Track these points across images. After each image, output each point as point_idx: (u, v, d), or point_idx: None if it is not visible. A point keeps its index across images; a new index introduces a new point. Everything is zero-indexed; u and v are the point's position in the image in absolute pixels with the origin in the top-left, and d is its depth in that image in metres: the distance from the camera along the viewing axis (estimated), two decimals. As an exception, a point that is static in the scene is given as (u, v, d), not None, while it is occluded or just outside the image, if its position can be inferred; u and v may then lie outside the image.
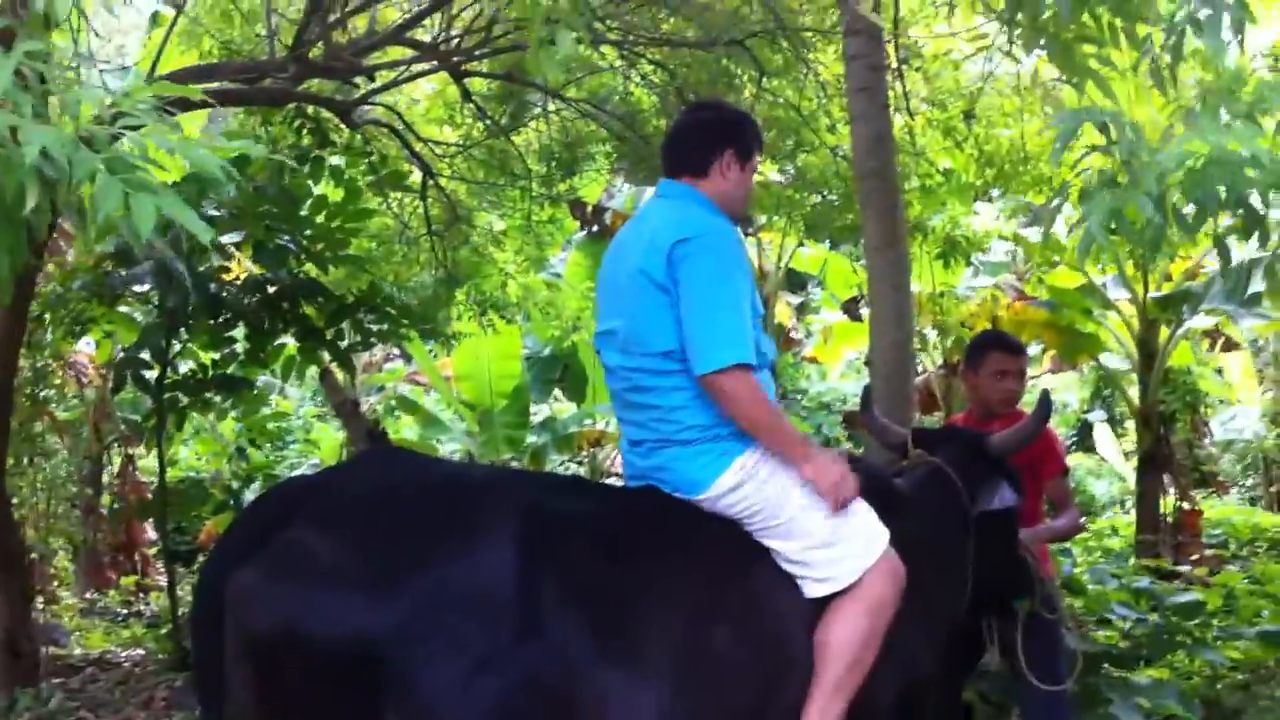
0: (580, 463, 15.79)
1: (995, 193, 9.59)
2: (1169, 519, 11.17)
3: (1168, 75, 3.57)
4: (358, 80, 7.40)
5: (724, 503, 3.02)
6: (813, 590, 3.00)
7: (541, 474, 9.85)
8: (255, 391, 7.49)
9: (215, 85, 6.36)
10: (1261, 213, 3.49)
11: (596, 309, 3.38)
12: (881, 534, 3.07)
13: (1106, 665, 4.96)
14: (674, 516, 3.04)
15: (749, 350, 2.97)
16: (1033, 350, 13.19)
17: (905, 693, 3.22)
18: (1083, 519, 5.24)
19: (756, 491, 3.00)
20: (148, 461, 12.83)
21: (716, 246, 3.03)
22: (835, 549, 3.00)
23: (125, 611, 10.44)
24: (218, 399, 7.16)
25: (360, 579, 2.45)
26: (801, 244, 12.38)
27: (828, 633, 2.94)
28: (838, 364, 17.52)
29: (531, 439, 13.96)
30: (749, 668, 2.87)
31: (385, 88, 7.80)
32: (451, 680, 2.42)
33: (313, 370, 7.33)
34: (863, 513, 3.11)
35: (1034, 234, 10.29)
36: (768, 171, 8.74)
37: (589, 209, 11.39)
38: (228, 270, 6.61)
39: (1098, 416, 18.19)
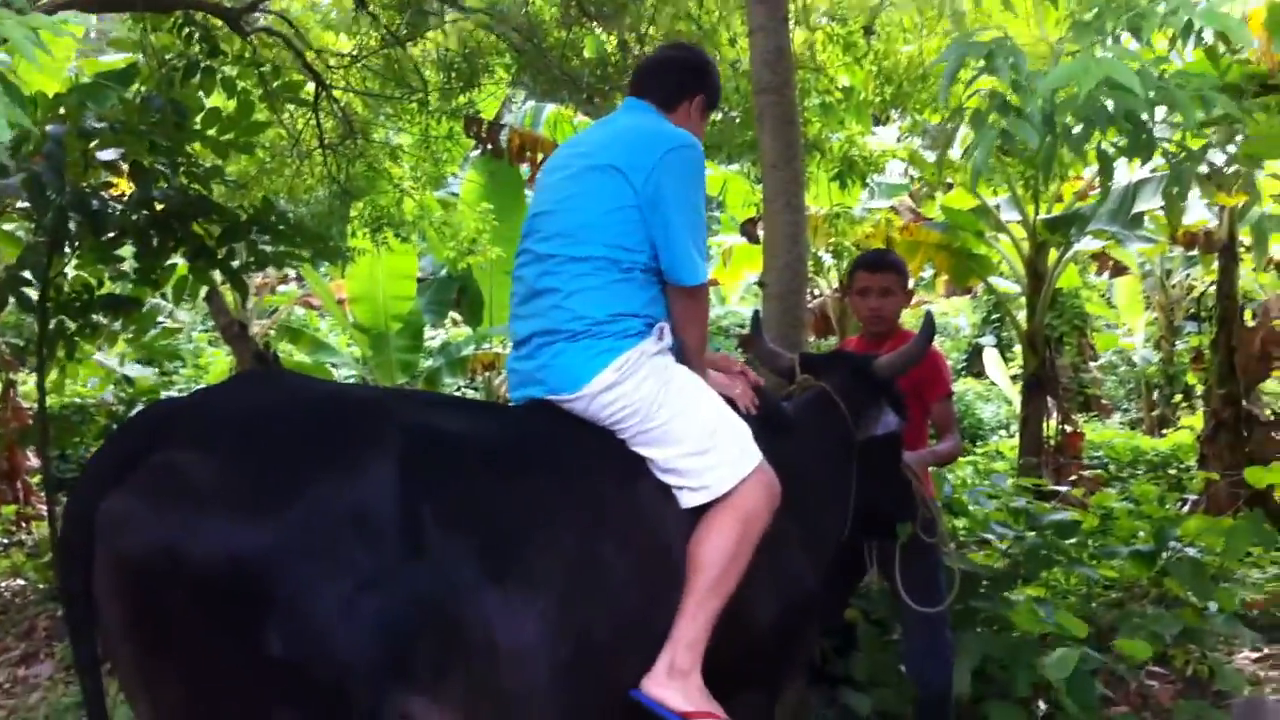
0: (475, 388, 15.71)
1: (894, 113, 9.62)
2: (1051, 442, 11.45)
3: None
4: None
5: (600, 401, 3.02)
6: (688, 500, 3.01)
7: (423, 392, 9.74)
8: (144, 311, 7.23)
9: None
10: (1149, 128, 3.53)
11: (533, 199, 3.43)
12: (754, 449, 3.09)
13: (985, 584, 5.05)
14: (556, 433, 3.03)
15: (707, 270, 3.23)
16: (926, 274, 13.38)
17: (788, 611, 3.25)
18: (963, 444, 5.31)
19: (633, 391, 3.02)
20: (29, 388, 12.49)
21: (699, 163, 3.23)
22: (708, 456, 3.01)
23: (6, 541, 10.20)
24: (105, 321, 6.92)
25: (238, 500, 2.37)
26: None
27: (698, 544, 2.95)
28: (736, 288, 17.61)
29: (426, 363, 13.83)
30: (634, 580, 2.87)
31: (275, -6, 7.54)
32: (334, 601, 2.37)
33: (202, 292, 7.13)
34: (736, 424, 3.12)
35: (931, 155, 10.36)
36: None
37: (485, 126, 11.16)
38: (111, 186, 6.35)
39: (988, 341, 18.57)
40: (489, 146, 11.30)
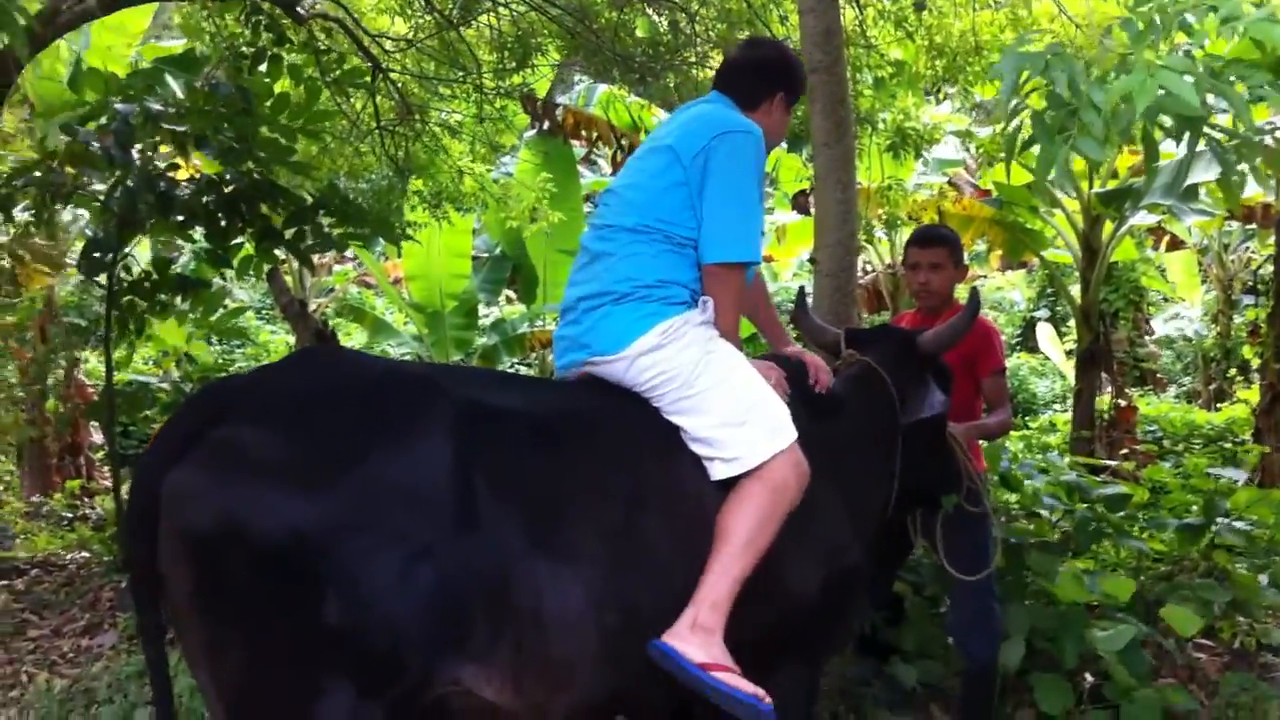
0: (530, 364, 15.83)
1: (948, 88, 9.60)
2: (1105, 416, 11.39)
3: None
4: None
5: (640, 364, 3.11)
6: (719, 471, 3.06)
7: (476, 369, 9.85)
8: (212, 291, 7.40)
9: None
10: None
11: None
12: (790, 428, 3.13)
13: (1032, 556, 5.09)
14: (603, 407, 3.11)
15: (758, 250, 3.31)
16: (979, 248, 13.33)
17: (831, 583, 3.29)
18: (1014, 419, 5.33)
19: (675, 356, 3.10)
20: (93, 365, 12.76)
21: (754, 148, 3.28)
22: (743, 429, 3.06)
23: (71, 515, 10.43)
24: (176, 300, 7.09)
25: (296, 473, 2.46)
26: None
27: (727, 512, 3.00)
28: (790, 264, 17.61)
29: (481, 340, 13.97)
30: (677, 551, 2.94)
31: (332, -19, 7.66)
32: (390, 571, 2.46)
33: (263, 271, 7.28)
34: (773, 401, 3.18)
35: (983, 130, 10.32)
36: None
37: (540, 104, 11.25)
38: (177, 169, 6.51)
39: (1042, 315, 18.43)
40: (545, 124, 11.39)
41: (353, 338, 15.61)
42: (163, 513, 2.50)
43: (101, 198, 6.24)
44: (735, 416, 3.08)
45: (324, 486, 2.47)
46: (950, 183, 11.90)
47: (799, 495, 3.09)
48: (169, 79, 6.90)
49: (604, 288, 3.21)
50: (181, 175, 6.39)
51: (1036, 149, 3.32)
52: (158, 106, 5.94)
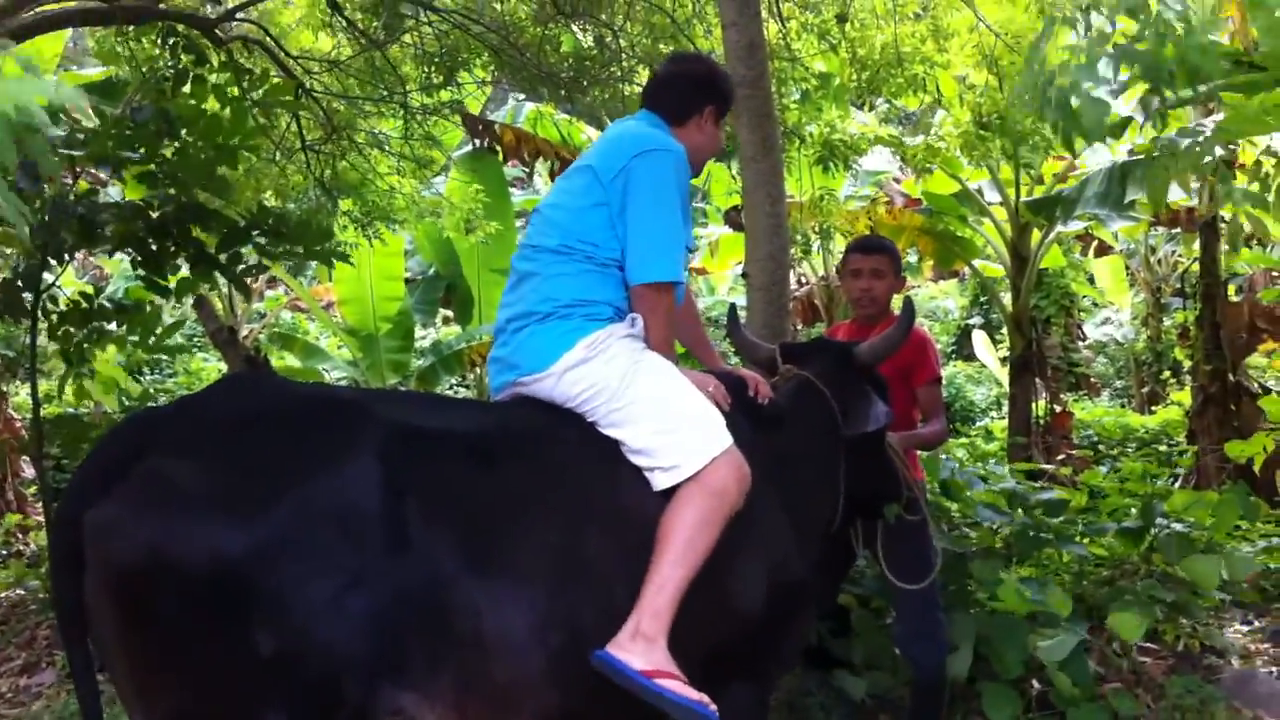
0: (467, 385, 15.73)
1: (875, 100, 9.66)
2: (1040, 421, 11.50)
3: None
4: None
5: (569, 378, 3.09)
6: (660, 481, 3.02)
7: (405, 392, 9.77)
8: (149, 312, 7.23)
9: (73, 4, 6.10)
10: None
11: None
12: (725, 432, 3.11)
13: (973, 564, 5.10)
14: (536, 424, 3.08)
15: (681, 270, 3.29)
16: (911, 258, 13.43)
17: (777, 598, 3.26)
18: (949, 429, 5.34)
19: (601, 369, 3.08)
20: (22, 398, 12.49)
21: (675, 167, 3.27)
22: (678, 434, 3.03)
23: (4, 551, 10.20)
24: (110, 327, 6.94)
25: (223, 502, 2.41)
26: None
27: (667, 518, 2.96)
28: (725, 278, 17.66)
29: (418, 362, 13.85)
30: (619, 567, 2.89)
31: (252, 1, 7.55)
32: (322, 599, 2.41)
33: (191, 296, 7.13)
34: (706, 407, 3.16)
35: (913, 140, 10.40)
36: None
37: (476, 121, 11.16)
38: (96, 194, 6.35)
39: (976, 323, 18.61)
40: (483, 141, 11.32)
41: (285, 363, 15.40)
42: (87, 548, 2.43)
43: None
44: (668, 424, 3.05)
45: (251, 515, 2.41)
46: (881, 189, 11.97)
47: (740, 499, 3.05)
48: (83, 104, 6.74)
49: (528, 308, 3.21)
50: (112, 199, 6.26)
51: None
52: (60, 132, 5.80)
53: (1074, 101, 3.56)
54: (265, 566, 2.38)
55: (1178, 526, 5.50)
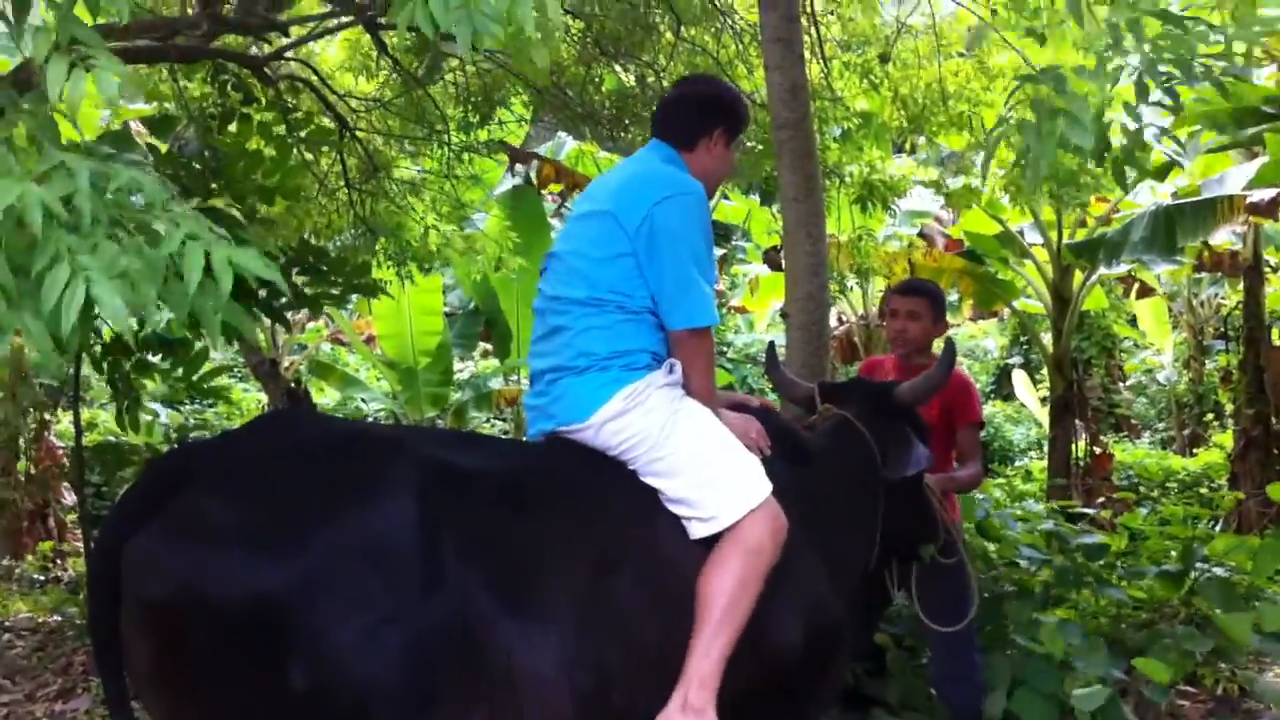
0: (504, 419, 15.78)
1: (918, 139, 9.67)
2: (1080, 463, 11.42)
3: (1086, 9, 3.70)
4: (272, 35, 7.26)
5: (609, 429, 3.08)
6: (697, 530, 3.04)
7: (441, 430, 9.80)
8: (195, 351, 7.33)
9: (127, 43, 6.20)
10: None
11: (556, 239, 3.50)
12: (764, 483, 3.11)
13: (1013, 605, 5.06)
14: (573, 467, 3.08)
15: (715, 313, 3.24)
16: (952, 298, 13.41)
17: (814, 640, 3.26)
18: (985, 472, 5.32)
19: (641, 419, 3.07)
20: (65, 426, 12.65)
21: (697, 207, 3.22)
22: (715, 487, 3.04)
23: (43, 578, 10.31)
24: (157, 360, 7.04)
25: (259, 538, 2.44)
26: (725, 195, 12.41)
27: (706, 578, 2.97)
28: (765, 315, 17.66)
29: (455, 396, 13.91)
30: (650, 613, 2.91)
31: (300, 41, 7.66)
32: (355, 636, 2.43)
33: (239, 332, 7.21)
34: (745, 456, 3.16)
35: (954, 181, 10.42)
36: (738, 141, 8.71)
37: (519, 152, 11.23)
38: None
39: (1016, 363, 18.49)
40: (529, 172, 11.37)
41: (325, 395, 15.52)
42: (124, 581, 2.47)
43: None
44: (707, 476, 3.05)
45: (286, 551, 2.44)
46: (921, 234, 11.97)
47: (777, 552, 3.05)
48: (137, 140, 6.87)
49: (564, 362, 3.17)
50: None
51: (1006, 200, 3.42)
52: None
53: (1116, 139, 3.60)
54: (299, 602, 2.40)
55: (1218, 571, 5.44)
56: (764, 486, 3.10)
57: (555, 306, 3.23)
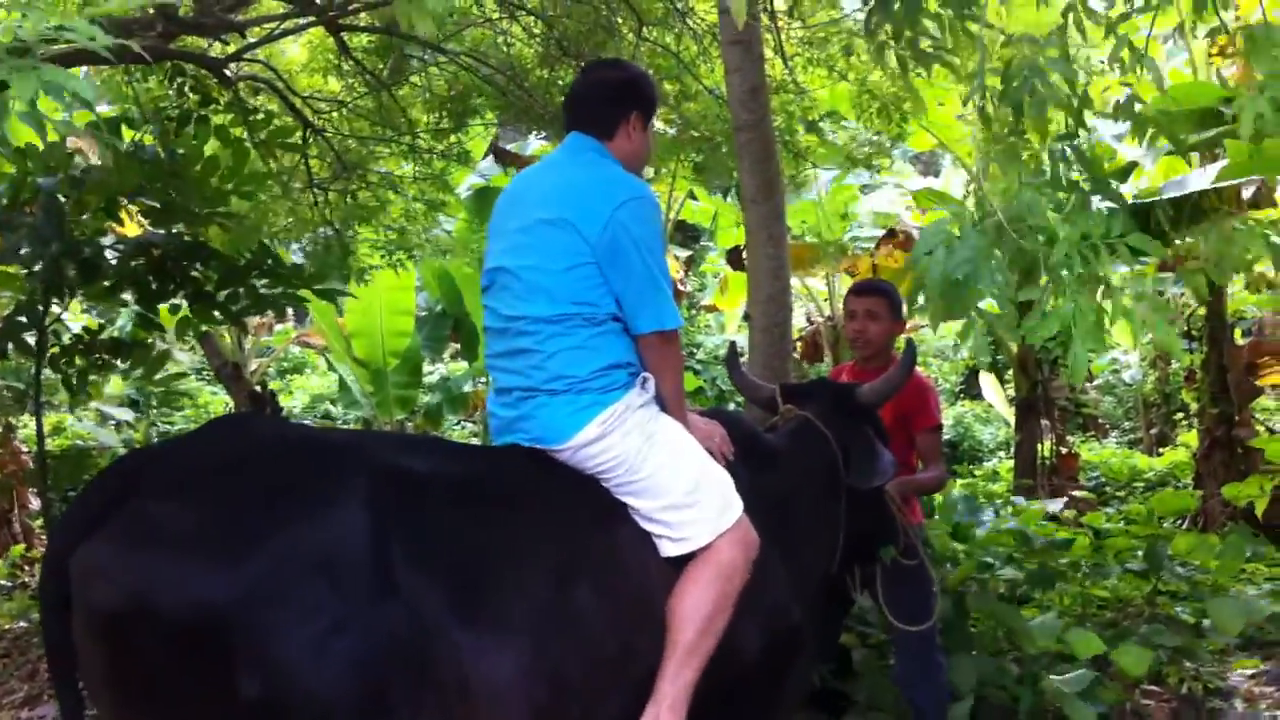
0: (474, 421, 15.74)
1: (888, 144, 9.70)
2: (1047, 463, 11.46)
3: (992, 112, 3.76)
4: (231, 36, 7.21)
5: (584, 453, 3.05)
6: (668, 550, 3.03)
7: (396, 435, 9.78)
8: (155, 353, 7.29)
9: (84, 43, 6.15)
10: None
11: (488, 247, 3.37)
12: (736, 502, 3.11)
13: (979, 606, 5.08)
14: (532, 474, 3.05)
15: (679, 315, 3.21)
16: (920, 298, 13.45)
17: (774, 644, 3.27)
18: (948, 475, 5.33)
19: (618, 444, 3.04)
20: (29, 430, 12.54)
21: (653, 210, 3.20)
22: (691, 510, 3.03)
23: (9, 584, 10.20)
24: (114, 361, 6.99)
25: (208, 546, 2.41)
26: (691, 195, 12.42)
27: (679, 599, 2.97)
28: (735, 315, 17.67)
29: (425, 399, 13.86)
30: (610, 624, 2.88)
31: (260, 43, 7.61)
32: (305, 645, 2.40)
33: (195, 333, 7.18)
34: (719, 477, 3.14)
35: (919, 183, 10.47)
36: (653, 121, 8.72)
37: (510, 155, 11.23)
38: (104, 234, 6.41)
39: (984, 363, 18.52)
40: (506, 170, 11.37)
41: (294, 399, 15.43)
42: (73, 589, 2.44)
43: (28, 264, 6.15)
44: (682, 499, 3.04)
45: (236, 559, 2.41)
46: (891, 231, 12.00)
47: (749, 571, 3.07)
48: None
49: (536, 384, 3.09)
50: (114, 237, 6.31)
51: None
52: (76, 174, 5.88)
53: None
54: (248, 611, 2.38)
55: (1180, 570, 5.48)
56: (737, 507, 3.10)
57: (517, 326, 3.13)
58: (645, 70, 3.98)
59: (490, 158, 11.67)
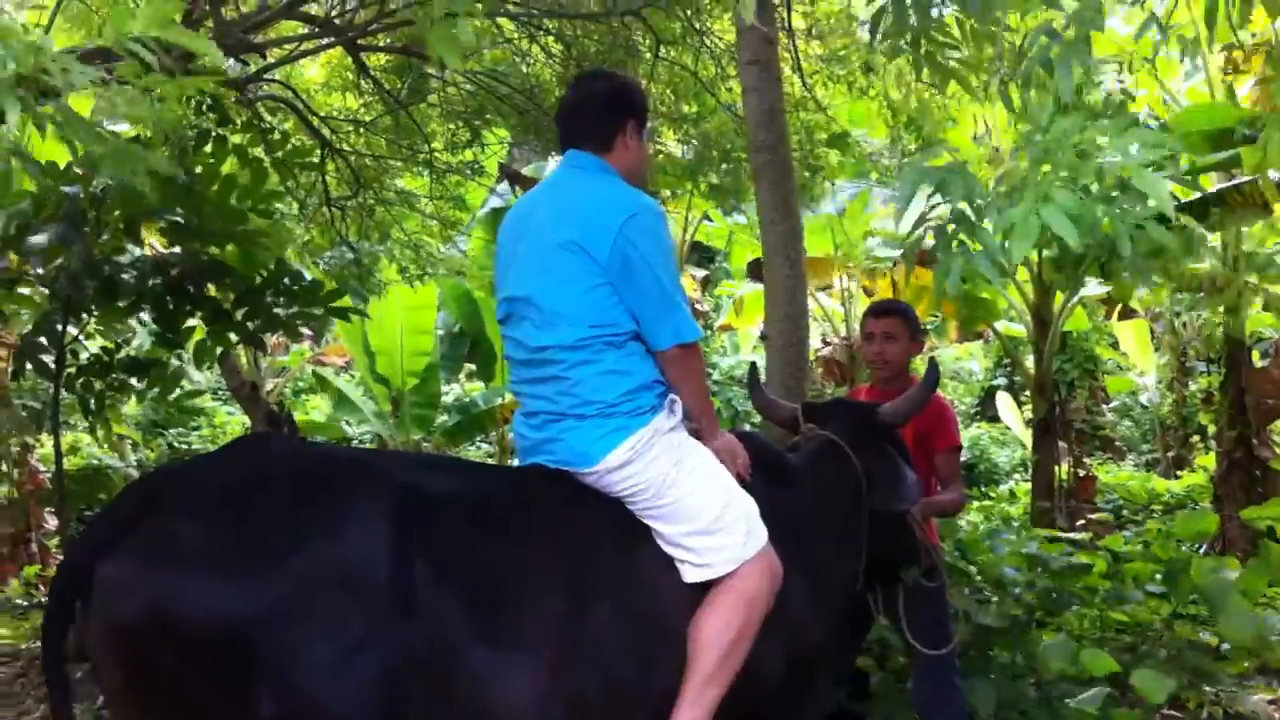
0: (489, 442, 15.74)
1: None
2: (1064, 485, 11.42)
3: (1017, 100, 3.71)
4: (250, 56, 7.25)
5: (611, 478, 3.03)
6: (691, 575, 3.02)
7: (417, 454, 9.79)
8: (170, 371, 7.31)
9: (101, 66, 6.19)
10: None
11: (498, 273, 3.34)
12: (762, 531, 3.10)
13: (997, 630, 5.05)
14: (554, 495, 3.03)
15: (698, 327, 3.17)
16: (936, 319, 13.44)
17: (795, 662, 3.25)
18: (965, 497, 5.31)
19: (645, 470, 3.02)
20: (46, 450, 12.59)
21: (659, 222, 3.15)
22: (716, 537, 3.02)
23: (26, 603, 10.22)
24: (132, 381, 7.01)
25: (230, 563, 2.43)
26: (706, 217, 12.44)
27: (701, 625, 2.95)
28: (750, 336, 17.66)
29: (441, 419, 13.86)
30: (629, 646, 2.87)
31: (279, 64, 7.66)
32: (325, 662, 2.41)
33: (217, 354, 7.20)
34: (745, 504, 3.12)
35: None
36: (669, 142, 8.76)
37: (517, 174, 11.26)
38: (123, 252, 6.44)
39: (1001, 384, 18.51)
40: (515, 191, 11.41)
41: (310, 417, 15.43)
42: (93, 604, 2.46)
43: (45, 286, 6.19)
44: (708, 525, 3.03)
45: (256, 576, 2.42)
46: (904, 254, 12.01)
47: (772, 599, 3.05)
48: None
49: (564, 410, 3.07)
50: (130, 256, 6.33)
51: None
52: (97, 191, 5.91)
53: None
54: (267, 627, 2.39)
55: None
56: (762, 535, 3.08)
57: (542, 355, 3.10)
58: (634, 78, 3.94)
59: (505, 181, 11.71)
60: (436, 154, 8.79)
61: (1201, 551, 9.08)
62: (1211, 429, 12.33)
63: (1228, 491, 10.01)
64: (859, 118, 8.99)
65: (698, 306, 16.08)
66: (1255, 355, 11.36)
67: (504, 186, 12.23)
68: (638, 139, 3.32)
